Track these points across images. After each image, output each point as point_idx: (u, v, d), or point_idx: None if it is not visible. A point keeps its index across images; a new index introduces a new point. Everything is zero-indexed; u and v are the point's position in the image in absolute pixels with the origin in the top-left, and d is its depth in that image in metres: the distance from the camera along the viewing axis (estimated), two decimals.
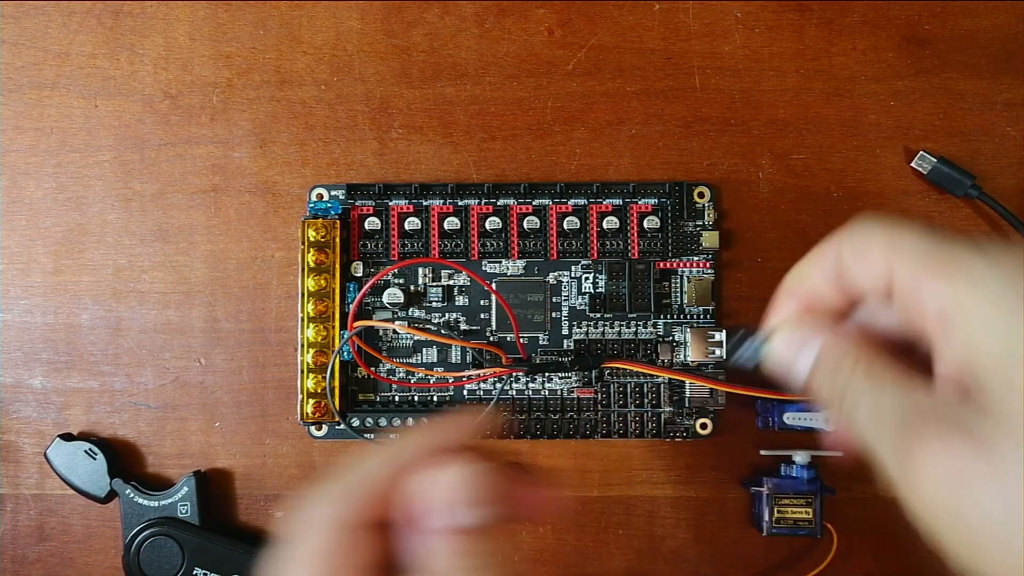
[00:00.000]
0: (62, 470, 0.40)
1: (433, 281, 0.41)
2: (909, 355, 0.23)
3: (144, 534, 0.39)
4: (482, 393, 0.41)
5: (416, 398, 0.41)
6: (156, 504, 0.40)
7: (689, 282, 0.41)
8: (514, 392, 0.41)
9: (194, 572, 0.39)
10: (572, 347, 0.41)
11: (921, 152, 0.41)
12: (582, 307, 0.41)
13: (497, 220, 0.40)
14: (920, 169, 0.41)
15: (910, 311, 0.22)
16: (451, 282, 0.41)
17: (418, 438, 0.24)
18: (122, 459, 0.42)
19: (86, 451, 0.40)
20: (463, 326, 0.41)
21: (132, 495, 0.40)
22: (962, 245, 0.21)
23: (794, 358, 0.24)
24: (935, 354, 0.21)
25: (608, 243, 0.41)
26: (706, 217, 0.41)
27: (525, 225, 0.41)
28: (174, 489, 0.40)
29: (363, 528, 0.22)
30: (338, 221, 0.40)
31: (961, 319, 0.20)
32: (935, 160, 0.41)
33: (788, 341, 0.24)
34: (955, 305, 0.20)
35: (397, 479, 0.22)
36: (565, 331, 0.41)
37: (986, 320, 0.20)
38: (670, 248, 0.41)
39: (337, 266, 0.40)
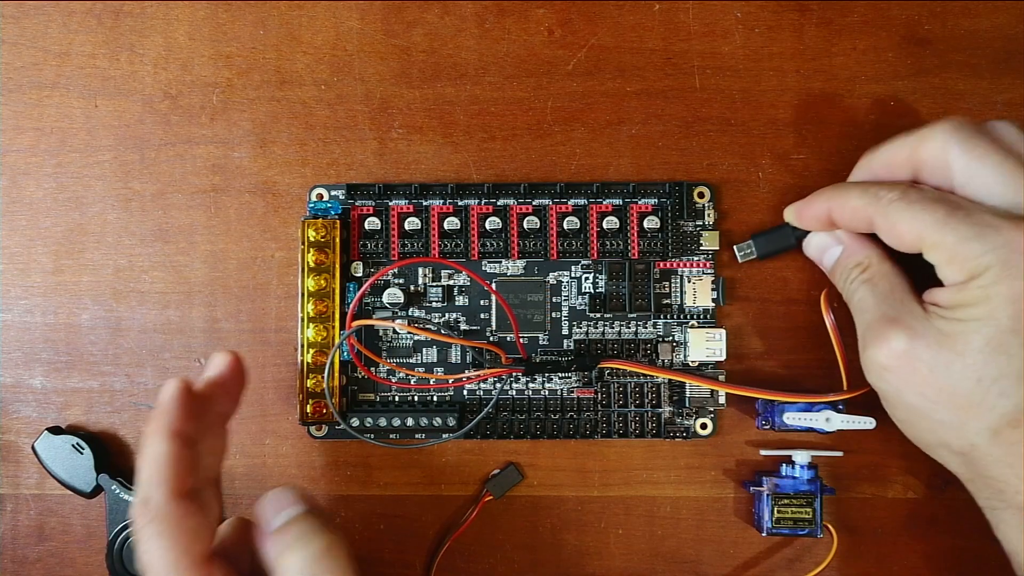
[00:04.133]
0: (49, 463, 0.40)
1: (433, 281, 0.41)
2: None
3: (128, 531, 0.39)
4: (482, 393, 0.41)
5: (416, 398, 0.41)
6: None
7: (689, 282, 0.41)
8: (514, 392, 0.41)
9: None
10: (572, 347, 0.41)
11: None
12: (582, 307, 0.41)
13: (497, 220, 0.40)
14: None
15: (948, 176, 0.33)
16: (451, 282, 0.41)
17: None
18: (113, 455, 0.41)
19: (73, 445, 0.40)
20: (463, 326, 0.41)
21: (118, 491, 0.39)
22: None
23: (821, 256, 0.38)
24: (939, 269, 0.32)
25: (608, 243, 0.41)
26: (706, 217, 0.41)
27: (525, 225, 0.41)
28: None
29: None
30: (338, 221, 0.40)
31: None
32: None
33: (820, 243, 0.38)
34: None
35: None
36: (565, 331, 0.41)
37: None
38: (670, 248, 0.41)
39: (337, 266, 0.40)
